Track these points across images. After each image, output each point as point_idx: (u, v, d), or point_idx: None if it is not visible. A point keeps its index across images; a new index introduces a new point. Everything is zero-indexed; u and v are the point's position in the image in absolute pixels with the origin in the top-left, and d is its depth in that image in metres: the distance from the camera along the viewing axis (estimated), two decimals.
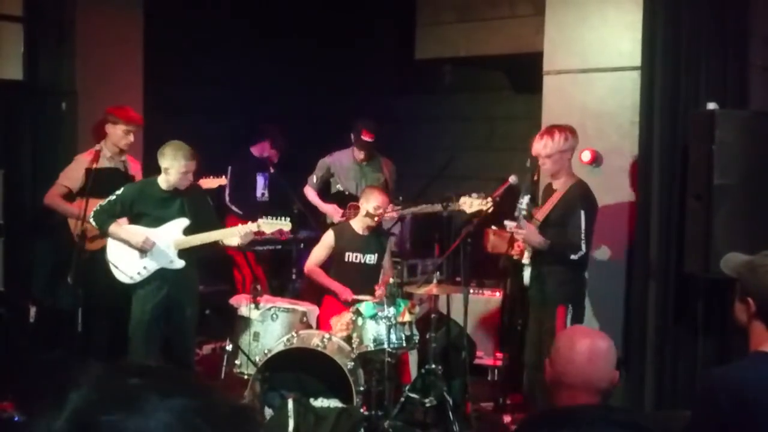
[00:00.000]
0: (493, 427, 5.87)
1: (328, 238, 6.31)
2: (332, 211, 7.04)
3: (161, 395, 1.03)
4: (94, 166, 6.00)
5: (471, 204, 6.00)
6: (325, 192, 7.29)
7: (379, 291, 5.83)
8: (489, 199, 5.82)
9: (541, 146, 5.40)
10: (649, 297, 5.87)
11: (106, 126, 6.37)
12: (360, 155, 7.08)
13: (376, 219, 6.16)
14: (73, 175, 6.14)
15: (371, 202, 6.16)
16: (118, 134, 6.31)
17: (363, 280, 6.13)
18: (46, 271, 6.56)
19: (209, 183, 6.68)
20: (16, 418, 4.93)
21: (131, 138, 6.34)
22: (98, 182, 5.92)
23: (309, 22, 8.84)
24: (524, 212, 5.27)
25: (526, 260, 5.43)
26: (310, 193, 7.26)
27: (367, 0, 8.62)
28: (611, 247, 6.09)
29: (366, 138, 7.00)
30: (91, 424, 1.00)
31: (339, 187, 7.08)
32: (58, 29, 6.63)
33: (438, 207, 6.18)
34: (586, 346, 2.55)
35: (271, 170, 7.72)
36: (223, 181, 6.80)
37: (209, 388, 1.11)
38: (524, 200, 5.27)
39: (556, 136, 5.38)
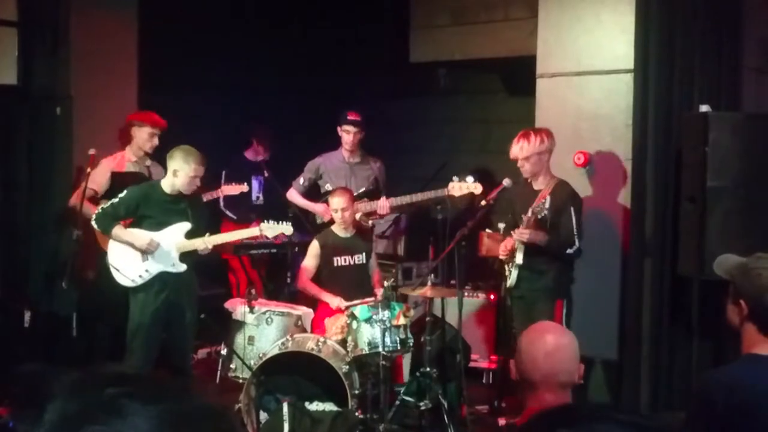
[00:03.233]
0: (488, 430, 5.86)
1: (314, 248, 6.35)
2: (322, 211, 7.04)
3: (139, 402, 1.03)
4: (91, 170, 6.07)
5: (460, 188, 6.05)
6: (313, 194, 7.28)
7: (379, 290, 5.86)
8: (478, 184, 5.90)
9: (518, 149, 5.51)
10: (644, 299, 5.89)
11: (131, 130, 6.53)
12: (350, 138, 7.00)
13: (340, 219, 6.21)
14: (99, 179, 6.21)
15: (332, 204, 6.27)
16: (144, 137, 6.49)
17: (357, 280, 6.16)
18: (41, 276, 6.55)
19: (231, 189, 6.83)
20: (11, 424, 4.92)
21: (156, 141, 6.51)
22: (119, 186, 5.99)
23: (304, 25, 8.85)
24: (546, 212, 5.33)
25: (519, 260, 5.46)
26: (296, 197, 7.23)
27: (362, 3, 8.62)
28: (606, 250, 6.10)
29: (352, 117, 6.99)
30: None
31: (328, 187, 7.07)
32: (52, 34, 6.62)
33: (429, 194, 6.27)
34: (550, 342, 2.55)
35: (266, 174, 7.72)
36: (244, 187, 6.89)
37: (185, 391, 1.11)
38: (547, 200, 5.34)
39: (532, 138, 5.49)
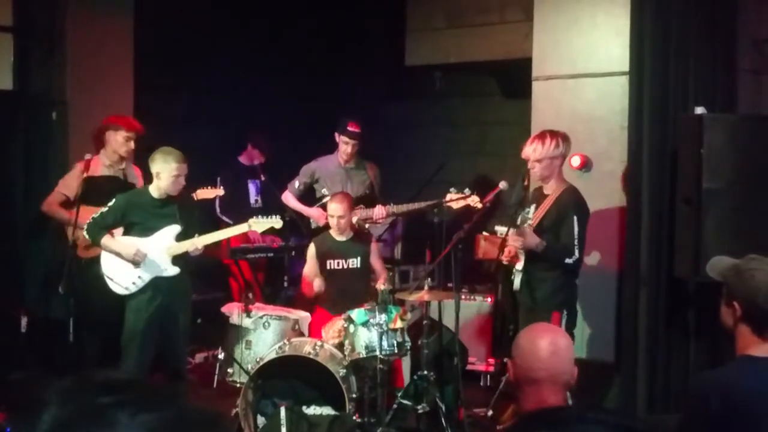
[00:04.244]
0: None
1: (311, 252, 6.34)
2: (317, 216, 7.06)
3: (132, 411, 1.03)
4: (87, 174, 6.04)
5: (458, 201, 6.04)
6: (308, 198, 7.29)
7: (381, 284, 5.82)
8: (476, 198, 5.86)
9: (531, 150, 5.42)
10: (641, 301, 5.88)
11: (106, 134, 6.42)
12: (348, 149, 7.03)
13: (336, 225, 6.20)
14: (71, 183, 6.16)
15: (329, 210, 6.26)
16: (119, 141, 6.38)
17: (349, 285, 6.13)
18: (37, 281, 6.55)
19: (205, 194, 6.73)
20: (8, 430, 4.91)
21: (131, 145, 6.42)
22: (94, 190, 5.96)
23: (299, 29, 8.85)
24: (529, 221, 5.28)
25: (519, 267, 5.43)
26: (291, 200, 7.25)
27: (358, 7, 8.63)
28: (602, 252, 6.11)
29: (353, 128, 7.00)
30: None
31: (325, 191, 7.08)
32: (48, 38, 6.63)
33: (426, 206, 6.26)
34: (548, 342, 2.58)
35: (262, 178, 7.72)
36: (220, 191, 6.84)
37: (179, 398, 1.11)
38: (531, 209, 5.27)
39: (546, 141, 5.40)
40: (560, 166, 5.50)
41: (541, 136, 5.47)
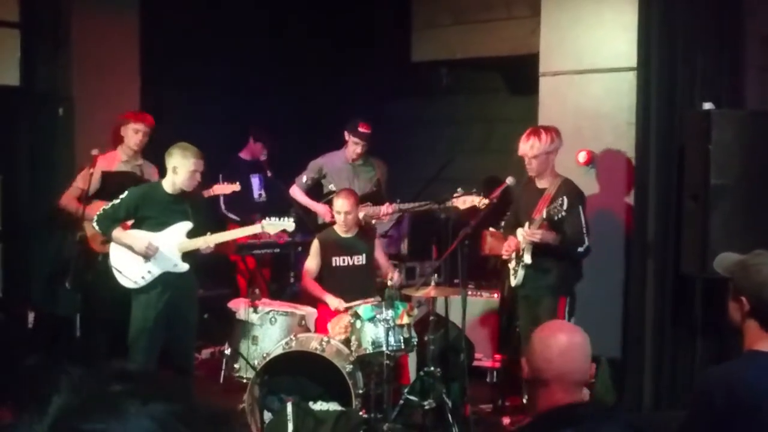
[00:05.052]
0: (492, 429, 5.87)
1: (315, 247, 6.35)
2: (324, 212, 7.07)
3: (142, 401, 1.03)
4: (97, 169, 6.06)
5: (464, 200, 6.05)
6: (316, 193, 7.30)
7: (395, 278, 5.78)
8: (483, 198, 5.86)
9: (528, 147, 5.47)
10: (647, 297, 5.88)
11: (120, 129, 6.47)
12: (357, 149, 7.06)
13: (342, 221, 6.20)
14: (86, 177, 6.18)
15: (335, 206, 6.26)
16: (129, 134, 6.43)
17: (355, 281, 6.14)
18: (44, 277, 6.56)
19: (222, 189, 6.76)
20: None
21: (140, 137, 6.43)
22: (110, 185, 5.98)
23: (305, 26, 8.85)
24: (564, 213, 5.28)
25: (527, 260, 5.45)
26: (298, 194, 7.27)
27: (363, 3, 8.63)
28: (608, 248, 6.09)
29: (363, 129, 7.02)
30: (72, 430, 1.01)
31: (332, 187, 7.09)
32: (54, 35, 6.64)
33: (434, 205, 6.25)
34: (563, 341, 2.55)
35: (268, 173, 7.72)
36: (236, 187, 6.85)
37: (189, 393, 1.11)
38: (566, 200, 5.26)
39: (543, 137, 5.46)
40: (553, 160, 5.59)
41: (536, 132, 5.52)
